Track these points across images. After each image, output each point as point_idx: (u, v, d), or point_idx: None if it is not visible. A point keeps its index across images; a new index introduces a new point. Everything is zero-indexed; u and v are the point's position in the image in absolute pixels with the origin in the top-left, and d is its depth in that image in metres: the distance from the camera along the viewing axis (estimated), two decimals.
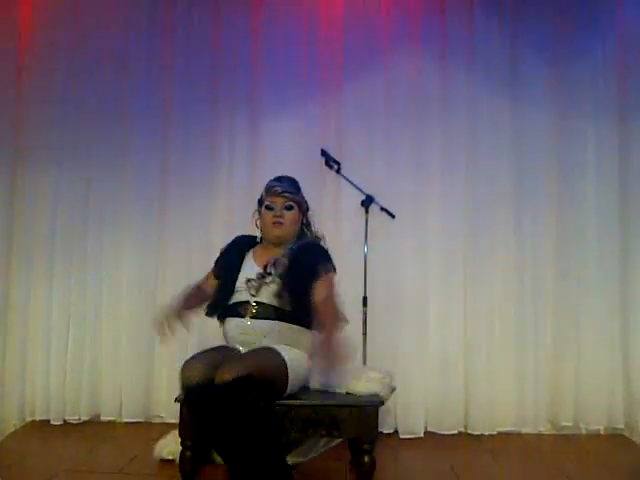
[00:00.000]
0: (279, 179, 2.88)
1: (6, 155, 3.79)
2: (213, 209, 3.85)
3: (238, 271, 2.79)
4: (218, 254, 2.94)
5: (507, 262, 3.76)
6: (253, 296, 2.69)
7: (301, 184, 3.03)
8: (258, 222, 2.91)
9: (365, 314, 3.47)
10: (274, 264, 2.75)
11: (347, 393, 2.75)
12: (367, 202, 3.55)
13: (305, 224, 2.92)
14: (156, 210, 3.86)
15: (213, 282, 2.88)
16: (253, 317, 2.67)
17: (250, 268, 2.78)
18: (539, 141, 3.81)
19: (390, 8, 3.85)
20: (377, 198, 3.56)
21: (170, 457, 2.98)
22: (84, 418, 3.74)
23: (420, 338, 3.70)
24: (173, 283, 3.77)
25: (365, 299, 3.48)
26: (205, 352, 2.61)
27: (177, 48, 3.89)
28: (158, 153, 3.86)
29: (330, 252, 2.85)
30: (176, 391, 2.81)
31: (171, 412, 3.56)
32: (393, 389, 2.90)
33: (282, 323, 2.67)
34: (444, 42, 3.84)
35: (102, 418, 3.78)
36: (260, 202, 2.90)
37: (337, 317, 2.57)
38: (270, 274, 2.72)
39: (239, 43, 3.87)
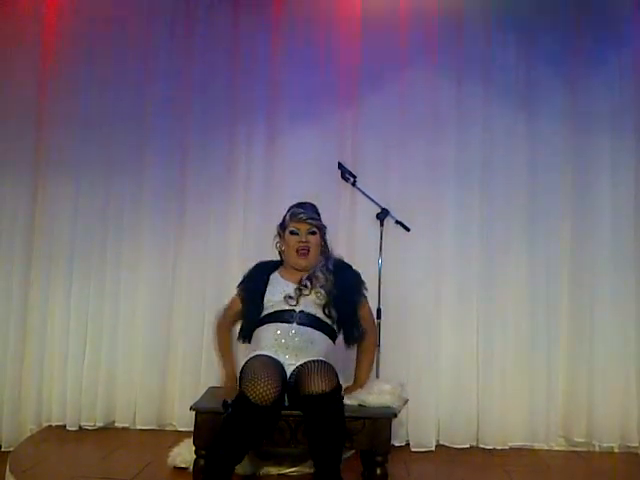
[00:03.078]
0: (301, 205, 3.01)
1: (27, 158, 3.86)
2: (230, 216, 3.89)
3: (264, 292, 2.92)
4: (241, 279, 3.05)
5: (520, 277, 3.76)
6: (294, 306, 2.83)
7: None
8: (279, 245, 3.04)
9: (379, 326, 3.48)
10: (309, 278, 2.90)
11: (359, 405, 2.77)
12: (382, 215, 3.58)
13: (324, 246, 3.04)
14: (174, 217, 3.90)
15: (238, 308, 3.02)
16: (300, 324, 2.80)
17: (283, 286, 2.92)
18: (554, 156, 3.81)
19: (407, 24, 3.87)
20: (392, 211, 3.59)
21: (183, 465, 3.00)
22: (99, 424, 3.78)
23: (433, 351, 3.71)
24: (190, 289, 3.85)
25: (379, 311, 3.50)
26: (265, 367, 2.61)
27: (196, 63, 3.94)
28: (176, 166, 3.91)
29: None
30: (190, 400, 2.88)
31: (184, 421, 3.59)
32: (406, 401, 2.91)
33: (323, 335, 2.84)
34: (460, 57, 3.86)
35: (117, 424, 3.82)
36: (283, 227, 3.01)
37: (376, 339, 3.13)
38: (306, 287, 2.87)
39: (258, 59, 3.92)
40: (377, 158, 3.82)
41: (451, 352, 3.73)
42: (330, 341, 2.89)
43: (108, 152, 3.90)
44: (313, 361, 2.68)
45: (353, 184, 3.63)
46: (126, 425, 3.81)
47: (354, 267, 3.06)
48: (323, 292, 2.87)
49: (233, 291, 3.07)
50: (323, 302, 2.86)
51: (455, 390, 3.70)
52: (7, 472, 2.95)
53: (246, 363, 2.74)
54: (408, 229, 3.61)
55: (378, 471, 2.63)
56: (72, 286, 3.85)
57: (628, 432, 3.65)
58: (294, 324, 2.79)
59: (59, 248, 3.86)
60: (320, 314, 2.86)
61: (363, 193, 3.61)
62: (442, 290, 3.76)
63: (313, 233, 2.96)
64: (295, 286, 2.89)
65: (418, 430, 3.63)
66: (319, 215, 3.03)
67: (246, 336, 2.93)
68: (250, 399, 2.45)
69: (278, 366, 2.68)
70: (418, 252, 3.74)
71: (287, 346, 2.76)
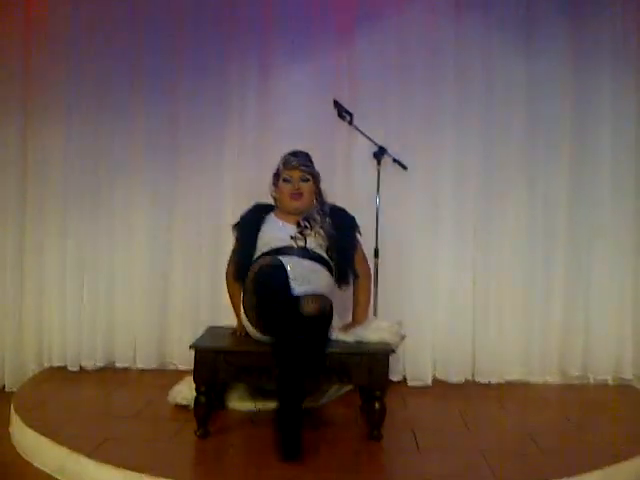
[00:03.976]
0: (295, 154, 3.02)
1: (17, 106, 3.77)
2: (225, 154, 3.82)
3: (259, 230, 2.97)
4: (238, 220, 3.04)
5: (519, 214, 3.75)
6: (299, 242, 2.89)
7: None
8: (274, 194, 3.06)
9: (377, 265, 3.50)
10: (306, 219, 2.95)
11: (357, 342, 2.81)
12: (379, 154, 3.54)
13: (319, 194, 3.06)
14: (168, 156, 3.83)
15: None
16: (302, 257, 2.84)
17: (280, 226, 2.96)
18: (555, 94, 3.74)
19: None
20: (389, 150, 3.55)
21: (184, 403, 3.05)
22: (99, 365, 3.83)
23: (430, 289, 3.73)
24: (185, 232, 3.83)
25: (377, 251, 3.51)
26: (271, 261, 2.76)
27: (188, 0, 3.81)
28: (168, 104, 3.81)
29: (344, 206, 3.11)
30: (189, 338, 2.90)
31: (184, 359, 3.62)
32: (403, 337, 2.94)
33: (325, 270, 2.89)
34: None
35: (117, 365, 3.86)
36: (277, 175, 3.04)
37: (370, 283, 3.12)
38: (307, 227, 2.92)
39: None
40: (374, 96, 3.74)
41: (448, 288, 3.75)
42: (332, 278, 2.93)
43: (99, 92, 3.81)
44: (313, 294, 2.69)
45: (350, 122, 3.57)
46: (126, 365, 3.86)
47: (349, 212, 3.08)
48: (322, 233, 2.92)
49: (229, 228, 3.06)
50: (325, 243, 2.92)
51: (452, 326, 3.73)
52: (12, 412, 2.99)
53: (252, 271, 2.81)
54: (405, 167, 3.57)
55: (376, 405, 2.68)
56: (67, 228, 3.83)
57: (622, 365, 3.72)
58: (295, 257, 2.82)
59: (52, 189, 3.81)
60: (322, 253, 2.91)
61: (360, 131, 3.56)
62: (439, 228, 3.75)
63: (306, 180, 3.00)
64: (294, 227, 2.92)
65: (415, 365, 3.69)
66: (312, 163, 3.05)
67: (240, 277, 2.91)
68: (263, 282, 2.62)
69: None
70: (415, 191, 3.72)
71: (291, 272, 2.76)
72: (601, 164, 3.73)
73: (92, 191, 3.84)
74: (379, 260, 3.51)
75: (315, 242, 2.90)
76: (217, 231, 3.72)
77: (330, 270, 2.92)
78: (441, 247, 3.76)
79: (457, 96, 3.74)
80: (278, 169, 3.05)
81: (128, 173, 3.84)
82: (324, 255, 2.90)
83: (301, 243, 2.87)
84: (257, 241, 2.94)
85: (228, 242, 3.13)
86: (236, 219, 3.05)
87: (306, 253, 2.86)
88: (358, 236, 3.04)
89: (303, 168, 2.99)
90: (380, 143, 3.55)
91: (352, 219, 3.04)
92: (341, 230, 2.97)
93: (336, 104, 3.56)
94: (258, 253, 2.90)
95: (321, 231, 2.93)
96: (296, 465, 2.40)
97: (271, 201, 3.10)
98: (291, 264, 2.77)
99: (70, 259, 3.83)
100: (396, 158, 3.56)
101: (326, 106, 3.58)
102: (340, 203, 3.12)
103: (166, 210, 3.85)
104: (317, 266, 2.86)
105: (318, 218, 2.96)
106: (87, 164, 3.83)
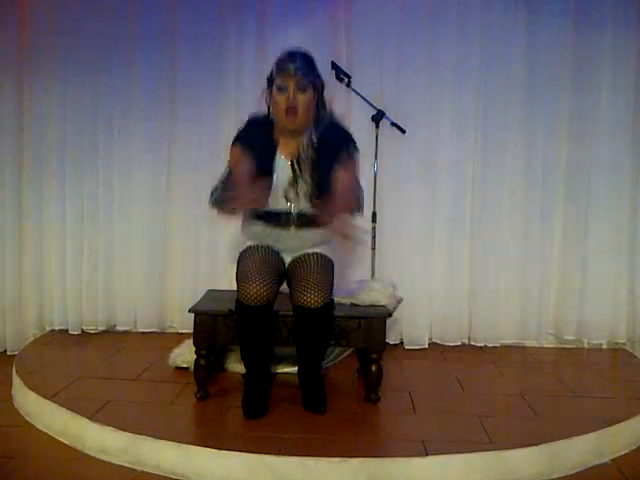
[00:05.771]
0: (292, 55, 2.54)
1: (12, 66, 3.71)
2: (222, 113, 3.77)
3: (272, 153, 2.63)
4: (237, 134, 2.68)
5: (516, 178, 3.74)
6: (290, 210, 2.62)
7: None
8: (268, 102, 2.62)
9: (374, 230, 3.50)
10: (298, 161, 2.60)
11: (351, 304, 2.83)
12: (378, 117, 3.51)
13: (321, 104, 2.63)
14: (165, 115, 3.80)
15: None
16: (298, 227, 2.65)
17: (280, 162, 2.63)
18: (554, 52, 3.68)
19: None
20: (388, 113, 3.52)
21: (184, 365, 3.09)
22: (101, 328, 3.86)
23: (426, 252, 3.75)
24: (183, 195, 3.83)
25: (374, 215, 3.51)
26: (258, 265, 2.54)
27: None
28: (165, 62, 3.77)
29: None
30: (189, 302, 2.92)
31: (184, 322, 3.65)
32: (399, 300, 2.96)
33: (322, 231, 2.61)
34: None
35: (118, 328, 3.90)
36: (270, 81, 2.58)
37: (352, 200, 2.55)
38: (299, 177, 2.59)
39: None
40: (372, 58, 3.69)
41: (445, 253, 3.77)
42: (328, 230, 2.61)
43: (95, 48, 3.75)
44: (310, 259, 2.62)
45: (347, 85, 3.53)
46: (127, 328, 3.90)
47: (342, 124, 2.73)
48: (310, 180, 2.59)
49: None
50: (313, 192, 2.59)
51: (448, 290, 3.77)
52: (13, 374, 3.03)
53: (239, 260, 2.65)
54: (404, 131, 3.55)
55: (373, 368, 2.72)
56: (66, 190, 3.82)
57: (616, 329, 3.76)
58: (291, 228, 2.64)
59: (50, 152, 3.79)
60: (313, 209, 2.61)
61: (358, 94, 3.52)
62: (437, 192, 3.75)
63: (303, 90, 2.52)
64: (289, 171, 2.61)
65: (412, 329, 3.72)
66: (314, 67, 2.60)
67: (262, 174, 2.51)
68: (243, 302, 2.48)
69: (273, 258, 2.65)
70: (414, 154, 3.70)
71: (287, 248, 2.70)
72: (599, 124, 3.69)
73: (89, 153, 3.82)
74: (376, 224, 3.51)
75: (305, 196, 2.60)
76: None
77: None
78: (438, 211, 3.76)
79: (456, 59, 3.70)
80: (272, 73, 2.57)
81: (125, 134, 3.81)
82: (315, 212, 2.58)
83: (292, 202, 2.60)
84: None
85: None
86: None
87: (299, 220, 2.63)
88: (354, 152, 2.63)
89: (300, 75, 2.49)
90: (378, 106, 3.52)
91: (344, 135, 2.66)
92: (329, 153, 2.57)
93: (334, 66, 3.51)
94: None
95: (309, 179, 2.58)
96: (294, 427, 2.46)
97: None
98: (287, 240, 2.66)
99: (69, 223, 3.83)
100: (394, 122, 3.53)
101: (323, 68, 3.49)
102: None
103: (165, 169, 3.84)
104: (311, 232, 2.65)
105: (312, 156, 2.58)
106: (83, 125, 3.80)
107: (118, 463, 2.33)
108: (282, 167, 2.63)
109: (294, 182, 2.60)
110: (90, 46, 3.75)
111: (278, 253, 2.70)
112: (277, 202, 2.62)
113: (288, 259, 2.72)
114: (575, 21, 3.67)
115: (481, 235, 3.76)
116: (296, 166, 2.60)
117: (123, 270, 3.88)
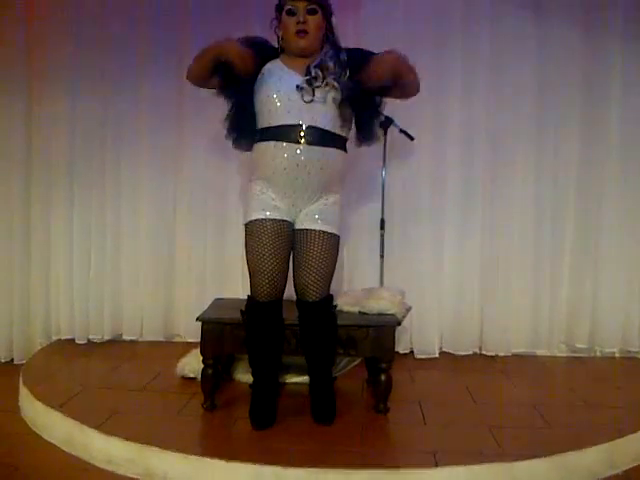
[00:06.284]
0: None
1: (21, 76, 3.71)
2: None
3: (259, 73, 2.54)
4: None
5: (526, 181, 3.71)
6: (301, 124, 2.46)
7: None
8: (278, 30, 2.59)
9: (382, 236, 3.48)
10: (318, 66, 2.47)
11: (360, 312, 2.80)
12: (386, 124, 3.47)
13: (329, 30, 2.58)
14: (173, 125, 3.79)
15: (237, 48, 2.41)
16: (309, 143, 2.46)
17: (287, 74, 2.51)
18: (564, 53, 3.65)
19: None
20: (396, 120, 3.50)
21: (192, 375, 3.07)
22: (107, 337, 3.84)
23: (436, 260, 3.71)
24: (191, 205, 3.81)
25: (383, 222, 3.48)
26: (269, 257, 2.48)
27: None
28: (172, 75, 3.69)
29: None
30: (196, 311, 2.90)
31: (190, 331, 3.63)
32: (408, 309, 2.93)
33: (337, 150, 2.53)
34: None
35: (124, 337, 3.88)
36: (279, 7, 2.55)
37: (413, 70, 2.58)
38: (316, 78, 2.45)
39: None
40: None
41: (455, 261, 3.73)
42: (344, 154, 2.58)
43: (104, 57, 3.74)
44: (315, 241, 2.52)
45: None
46: (134, 338, 3.88)
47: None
48: (337, 85, 2.46)
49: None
50: (339, 96, 2.46)
51: (458, 298, 3.73)
52: (20, 384, 3.02)
53: (247, 240, 2.53)
54: (412, 138, 3.52)
55: (382, 377, 2.69)
56: (74, 199, 3.81)
57: (629, 337, 3.71)
58: (302, 144, 2.45)
59: (58, 160, 3.78)
60: (330, 125, 2.49)
61: None
62: (446, 197, 3.72)
63: (313, 12, 2.49)
64: (300, 76, 2.47)
65: (422, 338, 3.69)
66: None
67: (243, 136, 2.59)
68: (258, 299, 2.51)
69: (281, 242, 2.51)
70: (422, 161, 3.68)
71: (295, 176, 2.48)
72: (611, 131, 3.65)
73: (97, 162, 3.81)
74: (384, 231, 3.49)
75: (326, 94, 2.46)
76: (223, 200, 3.69)
77: (342, 145, 2.56)
78: (447, 217, 3.73)
79: (464, 65, 3.66)
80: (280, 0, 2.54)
81: (133, 143, 3.80)
82: (331, 129, 2.48)
83: (308, 98, 2.44)
84: (258, 88, 2.53)
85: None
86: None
87: (312, 136, 2.45)
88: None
89: None
90: (387, 113, 3.49)
91: (362, 51, 2.57)
92: (356, 66, 2.47)
93: None
94: (259, 115, 2.55)
95: (334, 83, 2.45)
96: (302, 438, 2.42)
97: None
98: (293, 169, 2.46)
99: (76, 231, 3.82)
100: (403, 129, 3.50)
101: None
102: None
103: (172, 183, 3.83)
104: (326, 152, 2.49)
105: (332, 65, 2.48)
106: (92, 134, 3.79)
107: (125, 474, 2.31)
108: (287, 80, 2.49)
109: (311, 83, 2.45)
110: (98, 59, 3.74)
111: (286, 225, 2.54)
112: (284, 118, 2.48)
113: (297, 218, 2.56)
114: (586, 35, 3.64)
115: (492, 243, 3.72)
116: (315, 70, 2.45)
117: (129, 278, 3.86)
